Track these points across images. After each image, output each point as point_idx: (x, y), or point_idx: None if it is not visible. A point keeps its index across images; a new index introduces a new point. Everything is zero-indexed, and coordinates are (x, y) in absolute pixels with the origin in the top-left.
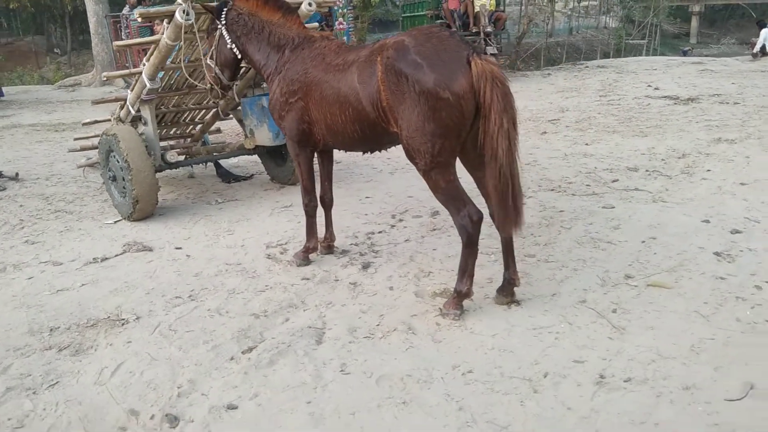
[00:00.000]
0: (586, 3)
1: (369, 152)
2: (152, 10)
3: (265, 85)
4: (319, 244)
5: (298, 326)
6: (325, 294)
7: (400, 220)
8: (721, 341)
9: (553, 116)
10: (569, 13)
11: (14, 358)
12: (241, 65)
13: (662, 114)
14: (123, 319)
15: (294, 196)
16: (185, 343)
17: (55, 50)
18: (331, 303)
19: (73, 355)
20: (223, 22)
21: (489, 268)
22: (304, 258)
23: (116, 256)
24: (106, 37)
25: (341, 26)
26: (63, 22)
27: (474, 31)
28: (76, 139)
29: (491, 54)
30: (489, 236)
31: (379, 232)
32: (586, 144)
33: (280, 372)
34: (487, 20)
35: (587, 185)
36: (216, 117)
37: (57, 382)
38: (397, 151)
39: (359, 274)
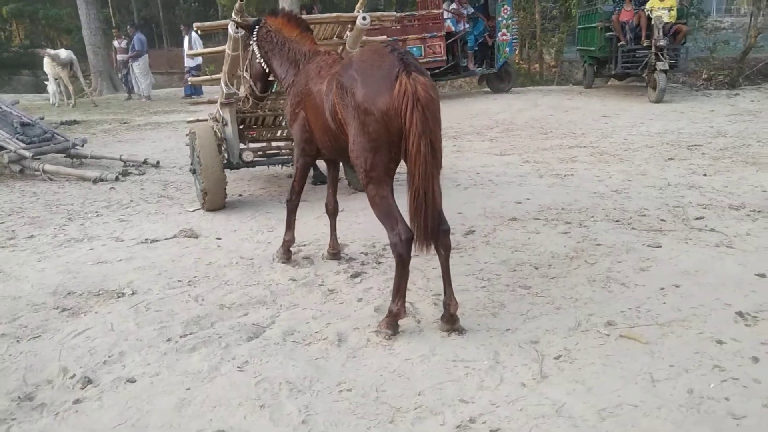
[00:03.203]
0: None
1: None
2: (208, 24)
3: None
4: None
5: (247, 322)
6: (298, 296)
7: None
8: (642, 412)
9: (698, 142)
10: None
11: (26, 312)
12: (270, 78)
13: None
14: (122, 293)
15: (352, 202)
16: (145, 320)
17: None
18: (295, 305)
19: (68, 316)
20: (255, 38)
21: (473, 293)
22: (285, 252)
23: (165, 239)
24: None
25: (504, 37)
26: None
27: (645, 44)
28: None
29: (661, 70)
30: (487, 263)
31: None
32: (704, 175)
33: (190, 359)
34: (661, 33)
35: (661, 220)
36: None
37: (38, 336)
38: (478, 167)
39: (344, 282)
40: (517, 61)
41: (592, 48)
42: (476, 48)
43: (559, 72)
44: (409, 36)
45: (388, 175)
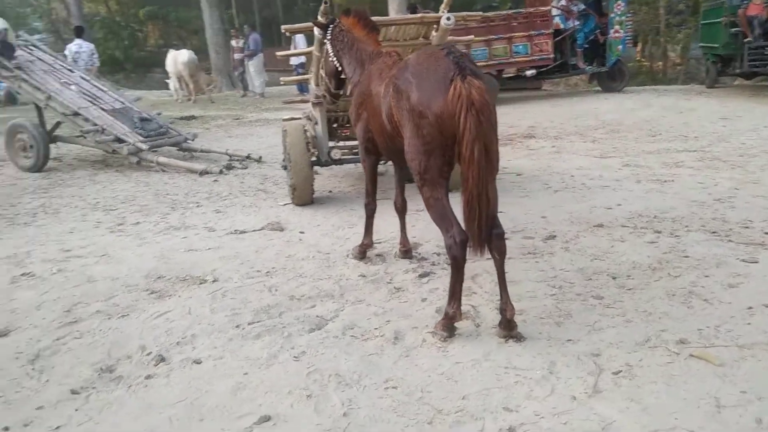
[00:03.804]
0: None
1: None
2: (295, 26)
3: None
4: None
5: (312, 314)
6: (365, 292)
7: (506, 239)
8: None
9: None
10: None
11: (121, 292)
12: (342, 76)
13: None
14: (205, 280)
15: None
16: (219, 306)
17: None
18: (360, 301)
19: (154, 299)
20: (329, 37)
21: (541, 300)
22: (360, 253)
23: (253, 231)
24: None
25: (617, 34)
26: None
27: None
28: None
29: None
30: (562, 270)
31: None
32: None
33: (253, 346)
34: None
35: (765, 233)
36: None
37: (126, 315)
38: (574, 169)
39: (411, 281)
40: (638, 58)
41: (716, 45)
42: (586, 46)
43: (684, 70)
44: (515, 34)
45: (443, 177)
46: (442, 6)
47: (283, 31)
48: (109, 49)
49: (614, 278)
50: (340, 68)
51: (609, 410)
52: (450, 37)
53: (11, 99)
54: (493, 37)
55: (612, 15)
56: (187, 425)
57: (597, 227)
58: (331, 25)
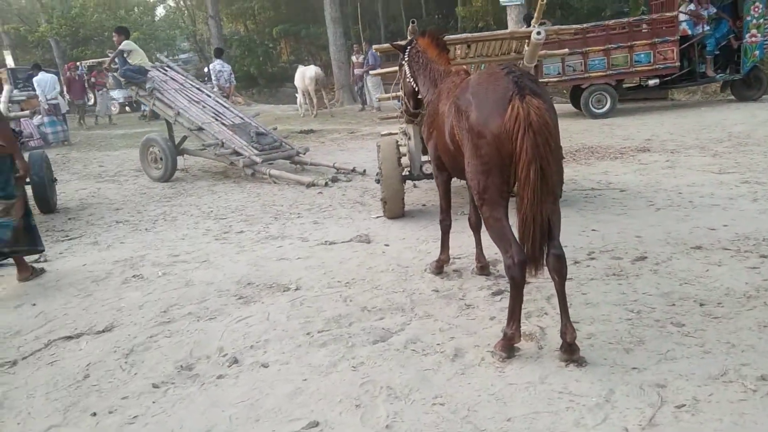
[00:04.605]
0: None
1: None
2: (385, 45)
3: None
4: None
5: (380, 326)
6: (435, 307)
7: (592, 258)
8: None
9: None
10: None
11: (213, 296)
12: (419, 96)
13: None
14: (288, 288)
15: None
16: (296, 314)
17: None
18: (429, 315)
19: (241, 304)
20: (406, 59)
21: (614, 325)
22: (437, 268)
23: (342, 242)
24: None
25: (753, 39)
26: None
27: None
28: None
29: None
30: (645, 294)
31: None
32: None
33: (318, 353)
34: None
35: None
36: None
37: (213, 318)
38: (684, 185)
39: (483, 299)
40: None
41: None
42: (717, 52)
43: None
44: (637, 42)
45: (502, 197)
46: (533, 20)
47: (374, 50)
48: (245, 66)
49: (701, 305)
50: (416, 88)
51: None
52: (542, 51)
53: (155, 114)
54: (612, 45)
55: (748, 18)
56: (243, 424)
57: (695, 249)
58: (409, 47)
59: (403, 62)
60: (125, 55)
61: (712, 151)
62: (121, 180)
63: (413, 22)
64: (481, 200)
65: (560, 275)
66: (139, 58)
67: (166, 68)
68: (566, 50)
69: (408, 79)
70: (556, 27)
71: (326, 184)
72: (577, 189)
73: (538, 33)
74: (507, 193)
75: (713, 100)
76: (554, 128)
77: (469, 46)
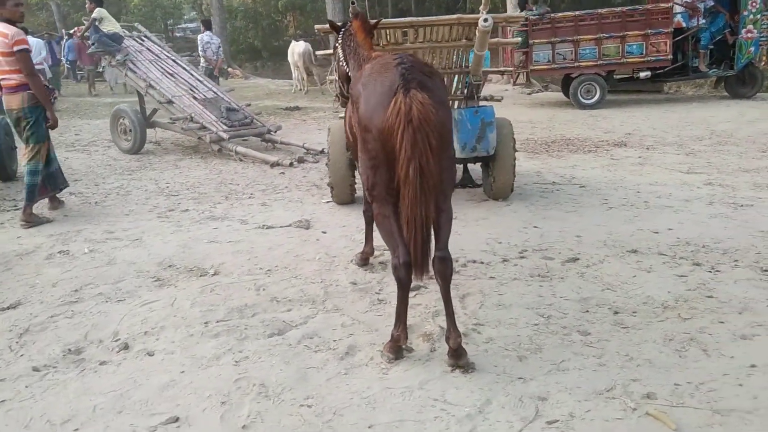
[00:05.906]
0: None
1: None
2: (325, 26)
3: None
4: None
5: (282, 318)
6: (347, 301)
7: (523, 257)
8: None
9: None
10: None
11: (131, 277)
12: None
13: None
14: (206, 273)
15: (471, 210)
16: (201, 301)
17: None
18: (337, 309)
19: (155, 287)
20: (340, 41)
21: (518, 330)
22: (361, 260)
23: (280, 227)
24: None
25: (749, 34)
26: None
27: None
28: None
29: None
30: (562, 298)
31: (481, 262)
32: None
33: (207, 345)
34: None
35: None
36: None
37: (122, 300)
38: (646, 184)
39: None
40: (765, 62)
41: None
42: (712, 47)
43: None
44: (629, 33)
45: (390, 194)
46: (481, 6)
47: (316, 30)
48: (249, 38)
49: (615, 313)
50: (349, 72)
51: None
52: (493, 39)
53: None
54: (604, 35)
55: (745, 13)
56: (105, 416)
57: (630, 252)
58: (343, 29)
59: (337, 45)
60: (97, 23)
61: (688, 150)
62: (91, 150)
63: (353, 3)
64: (371, 197)
65: (444, 279)
66: (111, 25)
67: (143, 38)
68: (518, 39)
69: (341, 62)
70: (504, 15)
71: (291, 165)
72: (538, 182)
73: (485, 20)
74: (395, 190)
75: (707, 95)
76: (438, 124)
77: (416, 31)
